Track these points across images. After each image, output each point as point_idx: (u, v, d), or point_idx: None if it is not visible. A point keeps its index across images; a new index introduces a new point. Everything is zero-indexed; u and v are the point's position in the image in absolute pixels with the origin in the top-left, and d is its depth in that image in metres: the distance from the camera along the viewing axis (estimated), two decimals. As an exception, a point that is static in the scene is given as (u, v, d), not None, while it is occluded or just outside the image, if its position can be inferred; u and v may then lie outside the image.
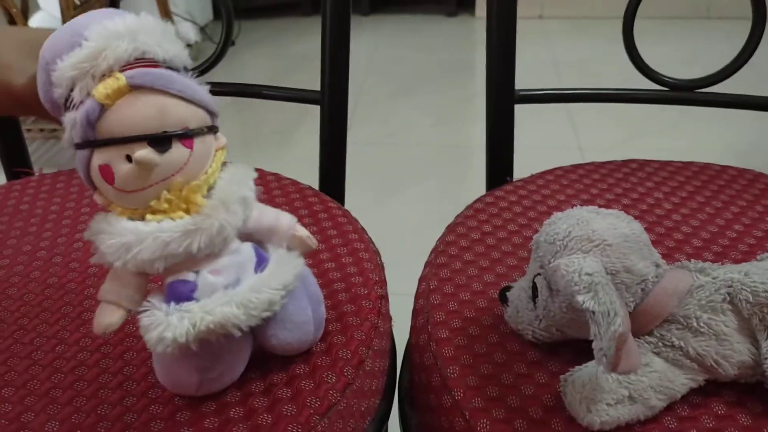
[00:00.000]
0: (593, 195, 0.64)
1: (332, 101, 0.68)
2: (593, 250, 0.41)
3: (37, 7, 2.18)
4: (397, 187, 1.62)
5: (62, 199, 0.65)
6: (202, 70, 0.72)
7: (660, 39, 2.23)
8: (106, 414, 0.43)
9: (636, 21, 0.68)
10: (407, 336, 0.56)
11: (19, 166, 0.79)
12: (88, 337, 0.49)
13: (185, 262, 0.38)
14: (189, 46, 2.29)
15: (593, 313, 0.37)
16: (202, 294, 0.38)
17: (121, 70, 0.36)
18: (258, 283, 0.39)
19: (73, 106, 0.36)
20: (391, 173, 1.70)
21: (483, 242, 0.58)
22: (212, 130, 0.39)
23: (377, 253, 0.58)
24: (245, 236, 0.41)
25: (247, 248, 0.41)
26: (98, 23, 0.36)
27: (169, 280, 0.39)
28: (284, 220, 0.43)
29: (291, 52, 2.45)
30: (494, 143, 0.73)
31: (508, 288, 0.48)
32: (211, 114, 0.39)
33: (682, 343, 0.41)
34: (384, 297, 0.53)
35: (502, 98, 0.70)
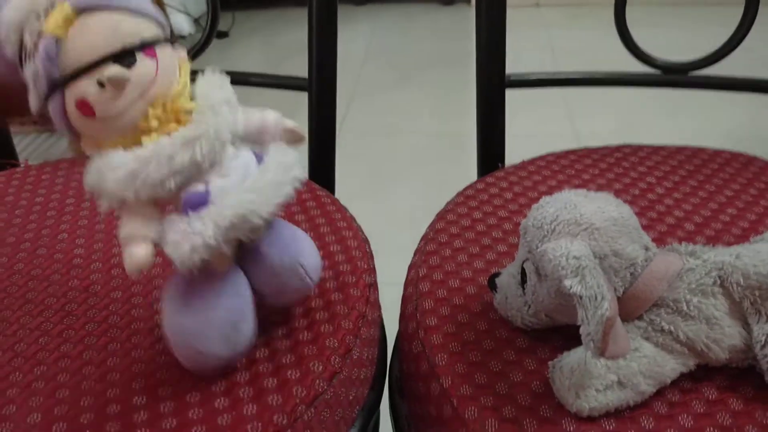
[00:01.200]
0: (585, 180, 0.64)
1: (320, 88, 0.67)
2: (581, 233, 0.40)
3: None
4: (393, 176, 1.61)
5: (47, 191, 0.64)
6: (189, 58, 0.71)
7: (653, 26, 2.21)
8: (88, 405, 0.42)
9: (629, 9, 0.67)
10: (398, 326, 0.56)
11: (4, 158, 0.78)
12: (71, 329, 0.48)
13: (193, 177, 0.38)
14: (182, 37, 2.28)
15: (580, 297, 0.37)
16: (216, 198, 0.38)
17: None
18: (263, 170, 0.40)
19: (28, 56, 0.36)
20: (387, 162, 1.69)
21: (473, 229, 0.58)
22: (168, 41, 0.39)
23: (366, 241, 0.57)
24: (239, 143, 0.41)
25: (245, 151, 0.41)
26: None
27: (181, 196, 0.38)
28: (270, 116, 0.43)
29: (285, 43, 2.43)
30: (486, 129, 0.72)
31: (497, 274, 0.48)
32: (161, 26, 0.39)
33: (671, 327, 0.41)
34: (372, 285, 0.52)
35: (493, 82, 0.69)
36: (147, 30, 0.37)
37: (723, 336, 0.40)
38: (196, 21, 2.41)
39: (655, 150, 0.68)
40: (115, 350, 0.46)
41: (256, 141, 0.43)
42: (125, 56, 0.36)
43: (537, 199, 0.61)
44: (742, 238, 0.55)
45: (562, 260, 0.38)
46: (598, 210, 0.41)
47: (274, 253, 0.43)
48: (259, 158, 0.41)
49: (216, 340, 0.40)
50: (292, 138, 0.44)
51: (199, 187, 0.38)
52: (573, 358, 0.41)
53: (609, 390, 0.40)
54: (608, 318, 0.36)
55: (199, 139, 0.37)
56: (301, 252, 0.44)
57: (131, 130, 0.37)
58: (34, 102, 0.37)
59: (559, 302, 0.42)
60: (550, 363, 0.42)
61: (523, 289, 0.44)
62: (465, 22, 2.63)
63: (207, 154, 0.37)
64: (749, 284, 0.40)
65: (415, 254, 0.57)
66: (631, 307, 0.42)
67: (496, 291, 0.47)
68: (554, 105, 1.87)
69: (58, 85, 0.35)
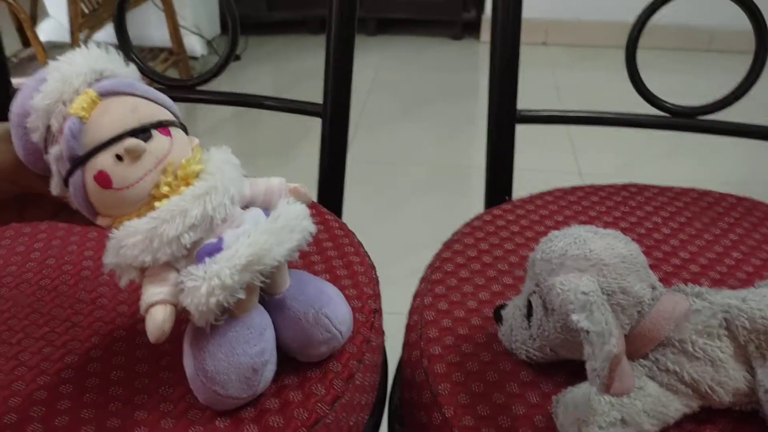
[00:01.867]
0: (591, 217, 0.64)
1: (334, 113, 0.68)
2: (589, 269, 0.41)
3: (46, 14, 2.20)
4: (396, 205, 1.62)
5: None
6: (204, 79, 0.72)
7: (660, 70, 2.24)
8: (89, 418, 0.42)
9: (637, 51, 0.68)
10: (400, 354, 0.56)
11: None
12: (76, 340, 0.48)
13: (206, 233, 0.39)
14: (195, 58, 2.31)
15: (587, 332, 0.37)
16: (230, 244, 0.39)
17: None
18: (274, 217, 0.41)
19: (54, 140, 0.38)
20: (390, 191, 1.70)
21: (479, 260, 0.58)
22: (183, 127, 0.41)
23: (373, 267, 0.58)
24: (245, 208, 0.42)
25: (255, 209, 0.42)
26: (53, 63, 0.39)
27: (196, 250, 0.39)
28: (274, 180, 0.44)
29: (296, 69, 2.47)
30: (494, 162, 0.73)
31: (502, 306, 0.48)
32: (174, 115, 0.41)
33: (677, 368, 0.41)
34: (377, 311, 0.53)
35: (504, 117, 0.70)
36: (163, 114, 0.40)
37: (728, 378, 0.40)
38: (209, 43, 2.45)
39: (662, 191, 0.69)
40: (118, 364, 0.46)
41: (263, 204, 0.43)
42: (142, 132, 0.38)
43: (544, 233, 0.62)
44: (747, 282, 0.55)
45: (571, 295, 0.38)
46: (608, 247, 0.41)
47: (298, 306, 0.43)
48: (268, 216, 0.42)
49: (236, 384, 0.40)
50: (297, 197, 0.45)
51: (213, 240, 0.39)
52: (577, 393, 0.41)
53: (612, 427, 0.40)
54: (615, 355, 0.36)
55: (208, 193, 0.39)
56: (326, 303, 0.44)
57: (145, 201, 0.39)
58: (55, 185, 0.39)
59: (566, 337, 0.42)
60: (553, 397, 0.42)
61: (529, 322, 0.45)
62: (473, 56, 2.66)
63: (217, 207, 0.39)
64: (755, 327, 0.40)
65: (421, 282, 0.57)
66: (638, 346, 0.42)
67: (501, 323, 0.47)
68: (559, 141, 1.89)
69: (79, 161, 0.37)
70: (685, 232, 0.62)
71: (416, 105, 2.20)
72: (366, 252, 0.60)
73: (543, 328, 0.43)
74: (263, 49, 2.65)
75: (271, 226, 0.40)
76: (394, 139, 1.98)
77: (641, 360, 0.42)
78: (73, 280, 0.54)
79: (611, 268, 0.41)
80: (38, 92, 0.38)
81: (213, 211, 0.39)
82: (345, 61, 0.67)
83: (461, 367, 0.47)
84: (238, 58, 2.47)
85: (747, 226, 0.63)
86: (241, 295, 0.39)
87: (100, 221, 0.39)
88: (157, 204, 0.38)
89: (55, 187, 0.39)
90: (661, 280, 0.55)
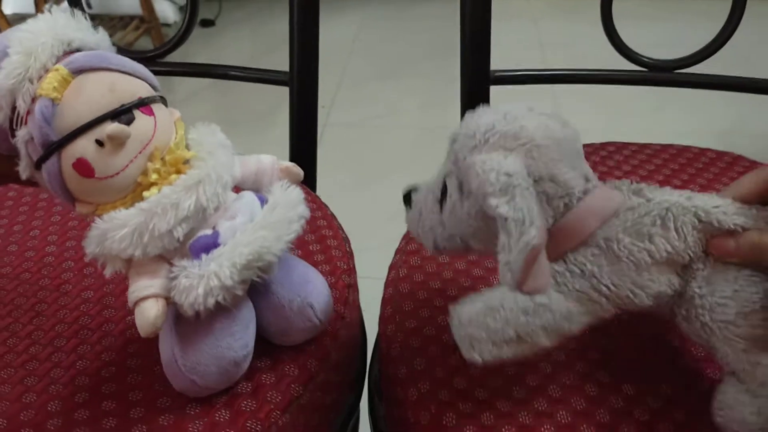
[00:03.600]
0: (569, 179, 0.63)
1: (301, 83, 0.66)
2: (518, 148, 0.35)
3: (11, -12, 2.13)
4: (379, 168, 1.60)
5: (20, 186, 0.62)
6: (169, 48, 0.70)
7: (641, 20, 2.21)
8: (56, 410, 0.41)
9: (616, 2, 0.66)
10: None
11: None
12: (40, 329, 0.47)
13: (200, 223, 0.37)
14: (167, 25, 2.25)
15: (505, 219, 0.32)
16: (226, 238, 0.37)
17: (55, 64, 0.35)
18: (270, 208, 0.39)
19: (21, 121, 0.35)
20: (373, 154, 1.68)
21: (455, 228, 0.57)
22: (163, 100, 0.39)
23: (346, 240, 0.56)
24: (237, 189, 0.41)
25: (248, 193, 0.40)
26: (14, 32, 0.36)
27: (189, 242, 0.37)
28: (265, 159, 0.43)
29: (273, 33, 2.40)
30: (470, 126, 0.71)
31: (415, 189, 0.42)
32: (153, 87, 0.39)
33: (595, 269, 0.36)
34: (352, 286, 0.51)
35: (477, 79, 0.68)
36: (142, 89, 0.37)
37: (650, 282, 0.36)
38: (181, 9, 2.38)
39: (641, 148, 0.67)
40: (85, 353, 0.45)
41: (254, 184, 0.42)
42: (123, 114, 0.35)
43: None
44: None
45: (491, 175, 0.33)
46: (542, 125, 0.36)
47: (283, 293, 0.42)
48: (262, 200, 0.40)
49: (216, 376, 0.39)
50: (289, 177, 0.43)
51: (207, 231, 0.37)
52: (472, 307, 0.38)
53: (506, 345, 0.37)
54: (534, 247, 0.31)
55: (201, 182, 0.36)
56: (311, 293, 0.43)
57: (131, 188, 0.36)
58: (24, 168, 0.36)
59: (479, 225, 0.37)
60: (450, 307, 0.39)
61: (441, 206, 0.39)
62: (454, 13, 2.60)
63: (211, 197, 0.37)
64: (706, 223, 0.35)
65: (396, 254, 0.56)
66: (557, 243, 0.37)
67: (410, 206, 0.42)
68: (542, 100, 1.87)
69: (54, 147, 0.34)
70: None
71: (398, 65, 2.16)
72: (340, 225, 0.58)
73: (455, 214, 0.38)
74: (238, 13, 2.58)
75: (268, 219, 0.38)
76: (377, 101, 1.94)
77: (554, 265, 0.37)
78: (35, 267, 0.52)
79: (542, 151, 0.35)
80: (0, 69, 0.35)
81: (207, 201, 0.37)
82: (310, 27, 0.64)
83: (437, 341, 0.46)
84: (212, 23, 2.41)
85: (727, 180, 0.62)
86: (239, 293, 0.38)
87: (80, 208, 0.37)
88: (145, 194, 0.36)
89: (24, 170, 0.36)
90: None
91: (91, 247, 0.36)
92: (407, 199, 0.42)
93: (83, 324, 0.47)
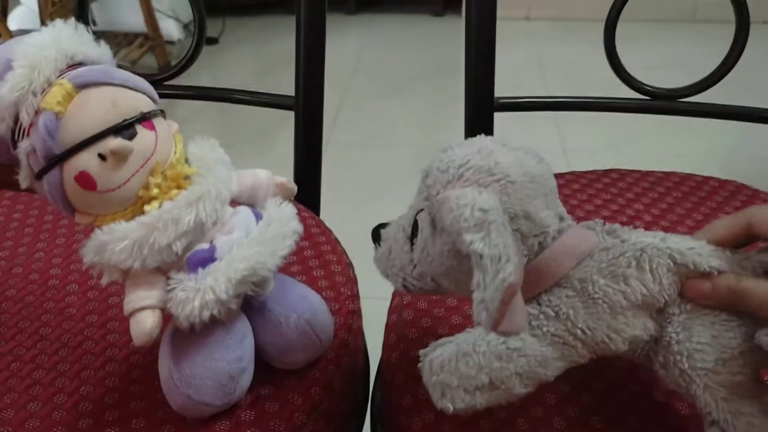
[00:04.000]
0: (573, 206, 0.63)
1: (306, 108, 0.66)
2: (492, 184, 0.34)
3: (17, 2, 2.15)
4: (381, 189, 1.60)
5: (25, 207, 0.62)
6: (174, 72, 0.70)
7: (645, 42, 2.22)
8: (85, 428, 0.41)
9: (620, 24, 0.66)
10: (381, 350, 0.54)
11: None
12: (44, 354, 0.47)
13: (197, 237, 0.38)
14: (172, 43, 2.26)
15: (480, 256, 0.31)
16: (223, 253, 0.38)
17: (58, 78, 0.36)
18: (265, 223, 0.40)
19: (24, 133, 0.36)
20: (375, 174, 1.68)
21: (459, 255, 0.57)
22: (162, 113, 0.40)
23: (350, 265, 0.56)
24: (233, 203, 0.42)
25: (244, 208, 0.41)
26: (18, 44, 0.36)
27: (187, 256, 0.38)
28: (261, 174, 0.44)
29: (276, 51, 2.42)
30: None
31: (383, 225, 0.41)
32: (153, 100, 0.40)
33: (570, 312, 0.35)
34: (356, 312, 0.51)
35: (482, 106, 0.68)
36: (143, 103, 0.38)
37: (625, 326, 0.35)
38: (185, 27, 2.40)
39: (644, 176, 0.68)
40: (88, 378, 0.45)
41: (250, 198, 0.43)
42: (126, 129, 0.36)
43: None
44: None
45: (466, 211, 0.32)
46: (516, 161, 0.35)
47: (280, 310, 0.43)
48: (257, 215, 0.41)
49: (211, 390, 0.39)
50: (283, 193, 0.44)
51: (204, 245, 0.38)
52: (444, 352, 0.36)
53: (479, 392, 0.35)
54: (510, 284, 0.30)
55: (201, 199, 0.37)
56: (307, 309, 0.43)
57: (132, 201, 0.37)
58: (24, 178, 0.37)
59: (452, 263, 0.36)
60: (421, 352, 0.38)
61: (412, 244, 0.38)
62: (456, 33, 2.63)
63: (210, 213, 0.38)
64: (681, 265, 0.35)
65: (399, 280, 0.56)
66: (531, 283, 0.36)
67: (379, 244, 0.40)
68: (544, 121, 1.87)
69: (57, 160, 0.35)
70: (666, 218, 0.61)
71: (400, 84, 2.17)
72: (344, 250, 0.58)
73: (427, 251, 0.37)
74: (241, 31, 2.60)
75: (263, 234, 0.39)
76: (378, 120, 1.95)
77: (528, 306, 0.36)
78: (40, 290, 0.52)
79: (517, 187, 0.34)
80: (3, 81, 0.35)
81: (206, 217, 0.37)
82: (316, 54, 0.65)
83: (441, 370, 0.46)
84: (215, 41, 2.42)
85: (729, 210, 0.62)
86: (234, 306, 0.39)
87: (79, 219, 0.38)
88: (146, 207, 0.37)
89: (24, 180, 0.37)
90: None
91: (89, 255, 0.37)
92: (376, 235, 0.41)
93: (87, 349, 0.47)
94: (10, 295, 0.52)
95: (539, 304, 0.36)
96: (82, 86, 0.36)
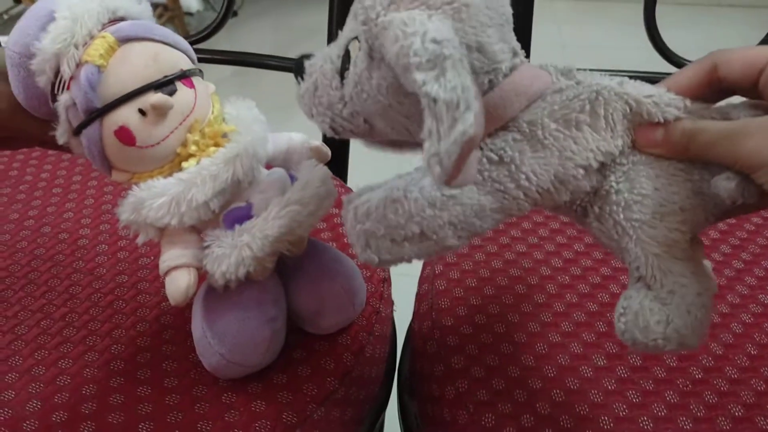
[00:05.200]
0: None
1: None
2: (443, 7, 0.29)
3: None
4: (409, 156, 1.59)
5: (53, 167, 0.62)
6: (200, 38, 0.69)
7: (675, 26, 2.19)
8: (90, 394, 0.41)
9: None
10: (409, 319, 0.54)
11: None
12: (74, 312, 0.46)
13: (233, 196, 0.38)
14: (191, 14, 2.25)
15: (435, 100, 0.25)
16: (259, 211, 0.38)
17: (100, 31, 0.36)
18: (301, 184, 0.39)
19: (64, 86, 0.35)
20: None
21: (491, 227, 0.56)
22: (201, 73, 0.39)
23: (380, 234, 0.55)
24: (268, 166, 0.41)
25: (279, 170, 0.41)
26: (62, 2, 0.36)
27: (223, 213, 0.38)
28: (296, 137, 0.44)
29: (295, 25, 2.40)
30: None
31: (308, 56, 0.35)
32: (192, 60, 0.39)
33: (516, 155, 0.31)
34: (386, 280, 0.51)
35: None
36: (183, 61, 0.38)
37: (573, 178, 0.32)
38: (204, -1, 2.38)
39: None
40: (119, 337, 0.44)
41: (284, 162, 0.43)
42: (166, 85, 0.36)
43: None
44: (719, 241, 0.53)
45: (416, 41, 0.26)
46: None
47: (313, 270, 0.42)
48: (292, 178, 0.41)
49: (244, 349, 0.39)
50: (318, 156, 0.44)
51: (241, 204, 0.38)
52: (372, 197, 0.32)
53: (407, 242, 0.32)
54: (470, 137, 0.25)
55: (238, 156, 0.37)
56: (341, 273, 0.43)
57: (169, 158, 0.37)
58: (62, 133, 0.37)
59: (391, 102, 0.31)
60: (344, 198, 0.34)
61: (342, 79, 0.32)
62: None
63: (247, 171, 0.37)
64: (636, 114, 0.31)
65: (430, 250, 0.55)
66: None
67: (302, 78, 0.35)
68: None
69: (97, 114, 0.35)
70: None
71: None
72: (373, 218, 0.57)
73: (361, 87, 0.31)
74: (261, 4, 2.58)
75: (301, 194, 0.39)
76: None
77: None
78: (69, 249, 0.52)
79: (472, 12, 0.29)
80: (45, 32, 0.35)
81: (243, 175, 0.37)
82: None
83: (475, 339, 0.45)
84: (235, 14, 2.40)
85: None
86: (269, 265, 0.39)
87: (116, 176, 0.38)
88: (184, 164, 0.37)
89: (61, 135, 0.37)
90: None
91: (125, 213, 0.36)
92: (299, 68, 0.35)
93: (117, 308, 0.47)
94: (39, 254, 0.52)
95: (481, 149, 0.32)
96: (124, 40, 0.36)
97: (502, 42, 0.31)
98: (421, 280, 0.53)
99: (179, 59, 0.37)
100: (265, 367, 0.42)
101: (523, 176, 0.31)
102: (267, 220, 0.37)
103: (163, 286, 0.48)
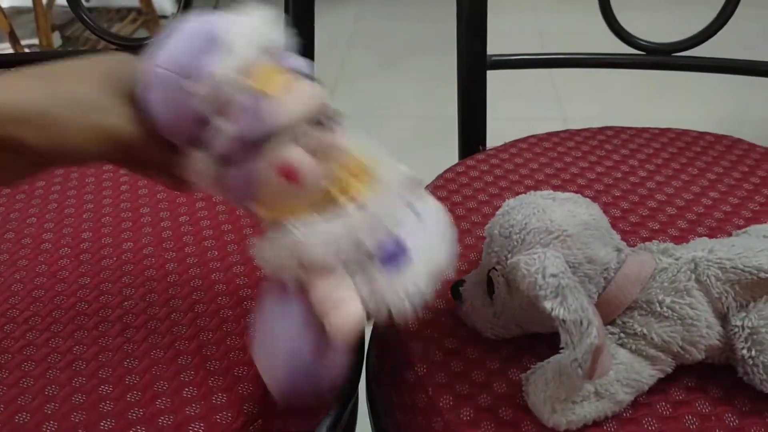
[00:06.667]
0: (567, 163, 0.63)
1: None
2: (553, 242, 0.38)
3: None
4: (378, 160, 1.60)
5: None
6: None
7: (640, 9, 2.20)
8: (53, 394, 0.41)
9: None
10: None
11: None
12: (37, 315, 0.47)
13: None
14: (166, 17, 2.24)
15: (563, 321, 0.34)
16: (417, 251, 0.36)
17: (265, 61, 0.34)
18: (432, 218, 0.38)
19: (223, 111, 0.33)
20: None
21: (452, 212, 0.57)
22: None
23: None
24: None
25: (429, 197, 0.39)
26: (224, 21, 0.34)
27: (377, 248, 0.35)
28: (403, 170, 0.40)
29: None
30: (466, 111, 0.71)
31: (460, 282, 0.44)
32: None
33: (645, 330, 0.39)
34: (349, 270, 0.51)
35: (474, 63, 0.68)
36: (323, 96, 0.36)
37: (700, 337, 0.39)
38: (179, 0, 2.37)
39: (639, 132, 0.67)
40: (82, 338, 0.45)
41: None
42: (326, 122, 0.34)
43: (519, 182, 0.60)
44: (725, 221, 0.54)
45: (539, 278, 0.35)
46: (569, 214, 0.39)
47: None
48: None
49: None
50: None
51: (395, 240, 0.36)
52: (548, 368, 0.38)
53: (586, 401, 0.38)
54: (597, 346, 0.34)
55: (392, 197, 0.36)
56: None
57: (320, 197, 0.35)
58: (204, 164, 0.34)
59: (533, 314, 0.39)
60: (523, 375, 0.40)
61: (491, 299, 0.42)
62: (454, 5, 2.60)
63: (401, 212, 0.36)
64: (728, 278, 0.38)
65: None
66: (605, 313, 0.40)
67: (461, 301, 0.44)
68: (543, 89, 1.86)
69: (259, 145, 0.32)
70: (662, 173, 0.60)
71: (398, 56, 2.15)
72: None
73: (507, 306, 0.41)
74: (235, 5, 2.57)
75: (437, 231, 0.38)
76: (377, 92, 1.94)
77: (609, 327, 0.40)
78: (32, 254, 0.52)
79: (575, 238, 0.38)
80: (206, 54, 0.32)
81: (397, 218, 0.36)
82: (306, 22, 0.64)
83: (434, 325, 0.46)
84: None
85: (725, 164, 0.61)
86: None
87: (262, 212, 0.35)
88: (333, 201, 0.35)
89: (202, 165, 0.34)
90: (637, 224, 0.54)
91: (276, 254, 0.34)
92: (456, 292, 0.44)
93: (80, 310, 0.47)
94: (2, 259, 0.52)
95: (617, 326, 0.40)
96: (290, 71, 0.34)
97: (605, 247, 0.39)
98: (384, 269, 0.53)
99: (323, 95, 0.35)
100: (228, 359, 0.42)
101: (657, 342, 0.39)
102: (428, 262, 0.36)
103: (125, 285, 0.49)
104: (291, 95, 0.33)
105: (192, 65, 0.32)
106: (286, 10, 0.65)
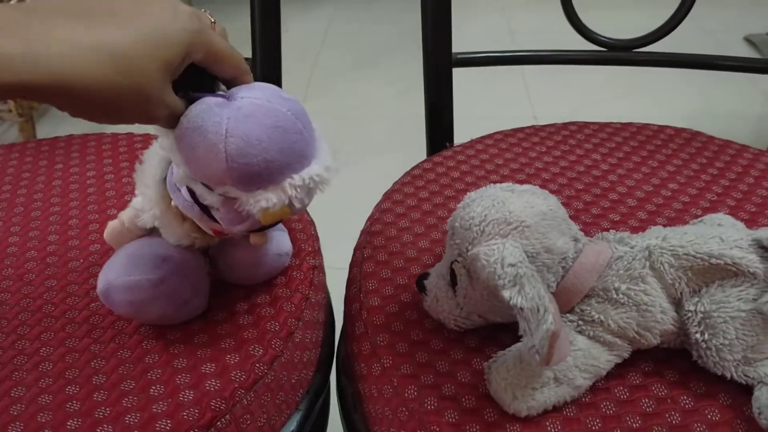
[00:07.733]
0: (532, 158, 0.64)
1: (265, 76, 0.66)
2: (511, 233, 0.39)
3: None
4: (353, 160, 1.60)
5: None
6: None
7: (604, 9, 2.23)
8: (20, 396, 0.41)
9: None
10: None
11: None
12: (3, 318, 0.47)
13: None
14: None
15: (521, 309, 0.35)
16: None
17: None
18: None
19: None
20: (344, 145, 1.67)
21: (419, 208, 0.58)
22: None
23: (311, 223, 0.57)
24: None
25: None
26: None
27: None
28: None
29: (245, 28, 2.39)
30: (433, 108, 0.71)
31: (425, 276, 0.46)
32: None
33: (602, 317, 0.40)
34: (317, 268, 0.52)
35: (440, 62, 0.69)
36: None
37: (654, 323, 0.40)
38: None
39: (602, 127, 0.68)
40: (48, 340, 0.45)
41: None
42: None
43: (485, 177, 0.61)
44: (683, 212, 0.55)
45: (498, 268, 0.37)
46: (527, 205, 0.40)
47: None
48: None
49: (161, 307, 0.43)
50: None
51: None
52: (509, 356, 0.40)
53: (546, 387, 0.39)
54: (553, 332, 0.35)
55: None
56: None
57: None
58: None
59: (493, 303, 0.41)
60: (485, 363, 0.41)
61: (454, 290, 0.43)
62: (426, 4, 2.61)
63: None
64: (680, 264, 0.40)
65: (360, 235, 0.57)
66: (563, 301, 0.41)
67: (425, 293, 0.45)
68: (515, 89, 1.88)
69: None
70: (623, 166, 0.62)
71: (371, 57, 2.16)
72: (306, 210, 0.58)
73: (469, 297, 0.42)
74: (208, 7, 2.56)
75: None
76: (350, 92, 1.94)
77: (568, 315, 0.42)
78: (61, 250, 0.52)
79: (533, 228, 0.39)
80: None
81: None
82: (271, 26, 0.64)
83: (400, 317, 0.47)
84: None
85: (684, 156, 0.63)
86: None
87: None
88: None
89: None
90: (598, 216, 0.55)
91: None
92: (421, 285, 0.45)
93: (47, 312, 0.47)
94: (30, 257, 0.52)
95: (575, 314, 0.42)
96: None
97: (563, 237, 0.40)
98: (351, 265, 0.54)
99: None
100: (194, 358, 0.43)
101: (613, 329, 0.40)
102: None
103: (92, 287, 0.49)
104: None
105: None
106: (253, 30, 0.65)
